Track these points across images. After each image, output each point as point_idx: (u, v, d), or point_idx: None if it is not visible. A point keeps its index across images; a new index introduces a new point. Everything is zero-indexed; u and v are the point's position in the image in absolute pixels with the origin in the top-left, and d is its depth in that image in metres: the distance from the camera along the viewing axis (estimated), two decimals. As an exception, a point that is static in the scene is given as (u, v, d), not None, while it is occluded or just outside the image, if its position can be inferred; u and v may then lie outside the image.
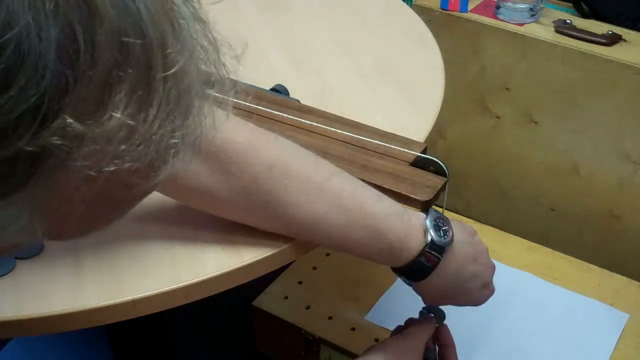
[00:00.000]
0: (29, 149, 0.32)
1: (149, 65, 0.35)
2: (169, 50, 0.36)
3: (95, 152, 0.34)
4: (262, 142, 0.73)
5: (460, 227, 0.80)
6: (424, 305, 0.89)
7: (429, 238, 0.74)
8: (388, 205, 0.75)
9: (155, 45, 0.35)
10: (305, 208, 0.72)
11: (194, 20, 0.39)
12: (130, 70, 0.34)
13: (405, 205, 0.76)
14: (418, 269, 0.75)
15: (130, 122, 0.35)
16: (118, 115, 0.34)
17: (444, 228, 0.75)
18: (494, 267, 0.85)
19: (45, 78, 0.32)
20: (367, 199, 0.74)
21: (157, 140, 0.36)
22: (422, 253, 0.74)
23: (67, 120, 0.33)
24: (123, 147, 0.35)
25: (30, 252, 0.74)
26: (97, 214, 0.40)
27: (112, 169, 0.35)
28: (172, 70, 0.36)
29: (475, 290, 0.83)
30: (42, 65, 0.32)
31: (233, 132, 0.72)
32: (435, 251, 0.74)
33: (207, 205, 0.74)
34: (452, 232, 0.76)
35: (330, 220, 0.72)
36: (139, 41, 0.34)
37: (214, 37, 0.41)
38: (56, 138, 0.33)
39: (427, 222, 0.74)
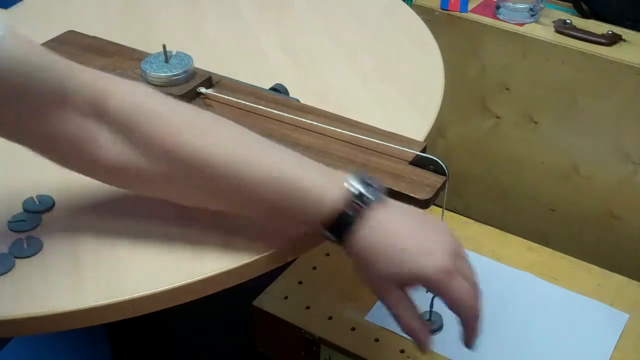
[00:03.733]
0: None
1: None
2: None
3: None
4: (163, 105, 0.72)
5: (412, 210, 0.75)
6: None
7: (353, 188, 0.70)
8: (308, 161, 0.73)
9: None
10: (216, 155, 0.70)
11: None
12: None
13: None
14: (343, 220, 0.70)
15: None
16: None
17: (371, 182, 0.72)
18: (450, 248, 0.74)
19: None
20: (285, 156, 0.73)
21: None
22: (347, 203, 0.70)
23: None
24: None
25: (30, 251, 0.74)
26: None
27: None
28: None
29: (411, 254, 0.72)
30: None
31: (134, 96, 0.72)
32: (361, 201, 0.70)
33: (130, 181, 0.74)
34: (382, 189, 0.72)
35: (247, 171, 0.70)
36: None
37: None
38: None
39: (352, 176, 0.71)
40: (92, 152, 0.71)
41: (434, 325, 0.91)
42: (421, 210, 0.77)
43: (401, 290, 0.72)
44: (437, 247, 0.71)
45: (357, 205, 0.70)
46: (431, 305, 0.88)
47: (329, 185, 0.71)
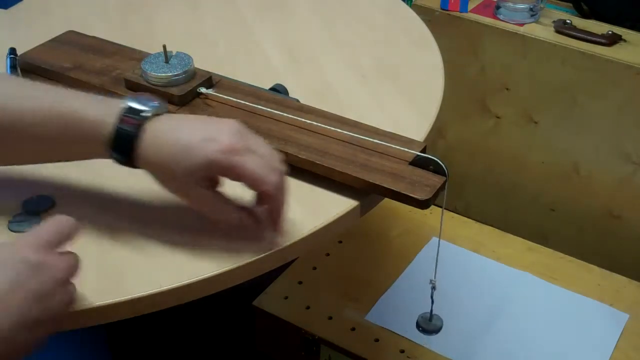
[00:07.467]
0: None
1: None
2: None
3: None
4: None
5: (196, 115, 0.76)
6: None
7: (126, 105, 0.72)
8: (83, 94, 0.75)
9: None
10: None
11: None
12: None
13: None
14: (124, 137, 0.71)
15: None
16: None
17: (146, 100, 0.73)
18: (235, 128, 0.72)
19: None
20: (60, 94, 0.75)
21: None
22: (123, 120, 0.71)
23: None
24: None
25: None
26: None
27: None
28: None
29: (194, 145, 0.71)
30: None
31: None
32: (137, 115, 0.71)
33: None
34: (162, 105, 0.74)
35: (27, 116, 0.73)
36: None
37: None
38: None
39: (128, 98, 0.73)
40: None
41: (433, 326, 0.92)
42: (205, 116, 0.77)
43: (205, 188, 0.72)
44: (219, 132, 0.71)
45: (133, 119, 0.71)
46: (431, 309, 0.89)
47: (107, 109, 0.72)
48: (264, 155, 0.71)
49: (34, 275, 0.62)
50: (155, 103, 0.73)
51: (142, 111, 0.72)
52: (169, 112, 0.75)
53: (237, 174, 0.70)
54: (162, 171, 0.72)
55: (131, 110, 0.72)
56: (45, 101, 0.74)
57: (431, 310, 0.90)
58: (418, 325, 0.93)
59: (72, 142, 0.74)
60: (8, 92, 0.76)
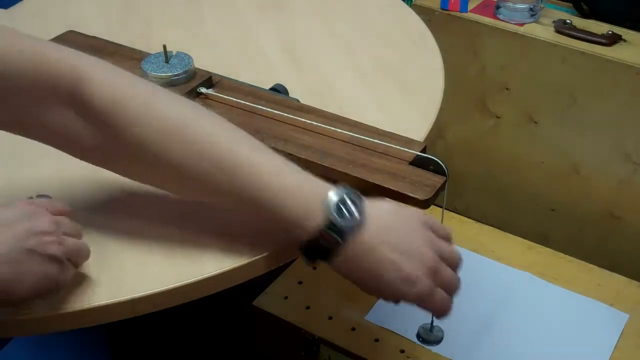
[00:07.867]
0: None
1: None
2: None
3: None
4: (144, 103, 0.71)
5: (390, 219, 0.71)
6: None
7: (329, 216, 0.67)
8: (287, 176, 0.70)
9: None
10: (192, 167, 0.69)
11: None
12: None
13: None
14: (317, 250, 0.69)
15: None
16: None
17: (349, 208, 0.68)
18: (429, 265, 0.72)
19: None
20: (262, 166, 0.70)
21: None
22: (320, 233, 0.68)
23: None
24: None
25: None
26: None
27: None
28: None
29: (392, 283, 0.70)
30: None
31: (113, 89, 0.71)
32: (335, 232, 0.68)
33: (114, 166, 0.75)
34: (361, 213, 0.69)
35: (210, 180, 0.70)
36: None
37: None
38: None
39: (330, 200, 0.68)
40: (74, 141, 0.72)
41: (434, 337, 0.91)
42: (400, 213, 0.73)
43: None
44: (415, 274, 0.70)
45: (333, 238, 0.68)
46: (432, 319, 0.88)
47: (306, 212, 0.68)
48: (449, 284, 0.74)
49: (27, 219, 0.65)
50: (356, 212, 0.69)
51: (343, 229, 0.68)
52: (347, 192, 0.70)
53: (421, 307, 0.73)
54: (349, 282, 0.73)
55: (332, 226, 0.68)
56: (249, 186, 0.69)
57: (432, 322, 0.89)
58: (419, 336, 0.93)
59: (257, 218, 0.72)
60: (215, 152, 0.70)
